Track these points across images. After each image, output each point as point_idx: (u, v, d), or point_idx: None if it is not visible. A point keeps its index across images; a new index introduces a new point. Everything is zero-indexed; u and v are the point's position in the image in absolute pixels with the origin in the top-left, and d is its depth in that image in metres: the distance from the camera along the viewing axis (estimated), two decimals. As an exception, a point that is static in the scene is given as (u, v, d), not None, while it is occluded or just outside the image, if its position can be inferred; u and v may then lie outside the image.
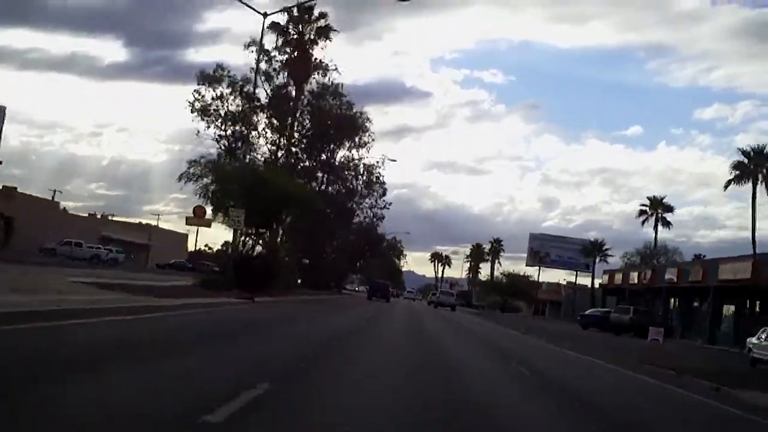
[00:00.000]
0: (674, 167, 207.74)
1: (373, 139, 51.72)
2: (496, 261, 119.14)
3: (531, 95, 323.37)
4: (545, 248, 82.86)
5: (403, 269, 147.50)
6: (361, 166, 52.59)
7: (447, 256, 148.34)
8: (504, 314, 73.38)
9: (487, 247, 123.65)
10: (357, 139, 50.93)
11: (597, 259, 69.24)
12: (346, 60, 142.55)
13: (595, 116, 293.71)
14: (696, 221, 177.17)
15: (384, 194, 56.50)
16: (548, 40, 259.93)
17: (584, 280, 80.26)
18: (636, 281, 57.41)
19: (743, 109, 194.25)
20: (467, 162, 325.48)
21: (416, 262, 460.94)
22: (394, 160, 56.39)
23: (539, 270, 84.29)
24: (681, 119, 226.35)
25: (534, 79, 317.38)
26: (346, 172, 53.02)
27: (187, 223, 34.02)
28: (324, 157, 49.48)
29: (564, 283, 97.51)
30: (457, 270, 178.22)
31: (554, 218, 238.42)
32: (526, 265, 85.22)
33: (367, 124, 50.97)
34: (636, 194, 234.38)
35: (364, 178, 53.77)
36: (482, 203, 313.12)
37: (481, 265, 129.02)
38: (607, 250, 72.27)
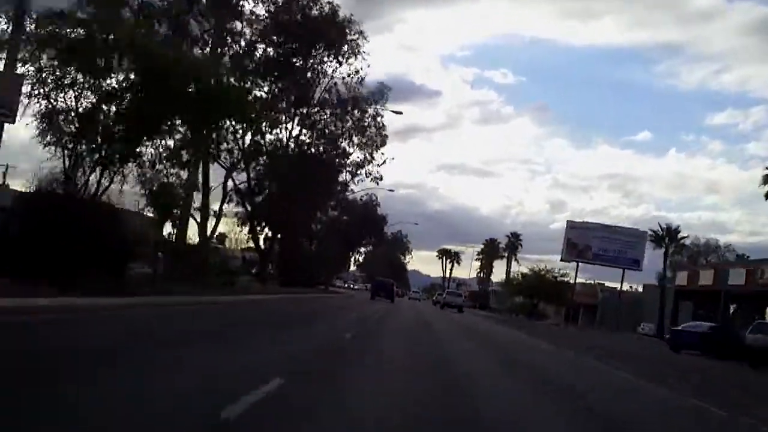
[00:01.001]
0: (684, 173, 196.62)
1: (368, 65, 35.19)
2: (513, 259, 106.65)
3: (541, 97, 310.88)
4: (586, 239, 65.91)
5: (409, 268, 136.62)
6: (350, 99, 35.00)
7: (456, 252, 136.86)
8: (534, 322, 59.73)
9: (502, 243, 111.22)
10: (343, 60, 34.09)
11: (670, 251, 51.82)
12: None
13: (604, 119, 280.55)
14: (705, 226, 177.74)
15: (383, 144, 39.27)
16: (559, 37, 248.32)
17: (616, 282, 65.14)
18: (743, 282, 40.38)
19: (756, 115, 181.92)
20: (475, 164, 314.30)
21: (422, 261, 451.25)
22: (400, 113, 38.58)
23: (577, 266, 67.79)
24: (691, 124, 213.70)
25: (544, 79, 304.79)
26: (329, 113, 35.92)
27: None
28: (292, 76, 31.66)
29: (593, 283, 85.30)
30: (465, 270, 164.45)
31: (561, 221, 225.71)
32: (561, 260, 68.99)
33: (359, 40, 34.11)
34: (643, 199, 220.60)
35: (356, 117, 36.19)
36: (490, 205, 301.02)
37: (494, 263, 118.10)
38: (683, 239, 54.70)
